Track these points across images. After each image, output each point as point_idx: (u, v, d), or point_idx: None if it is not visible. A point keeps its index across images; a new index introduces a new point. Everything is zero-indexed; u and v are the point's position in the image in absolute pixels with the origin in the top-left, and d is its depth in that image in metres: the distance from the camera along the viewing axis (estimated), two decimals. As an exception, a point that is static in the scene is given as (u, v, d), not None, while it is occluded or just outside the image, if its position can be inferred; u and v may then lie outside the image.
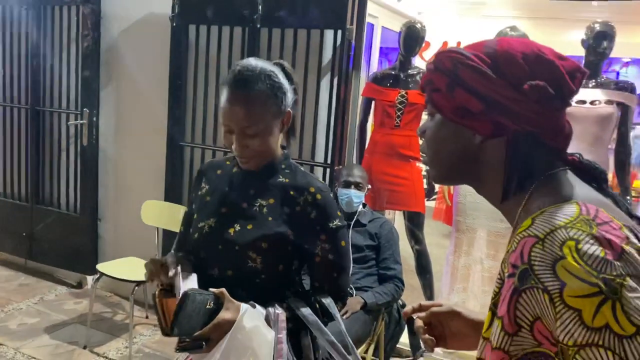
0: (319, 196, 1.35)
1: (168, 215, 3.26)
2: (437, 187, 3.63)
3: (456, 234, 3.11)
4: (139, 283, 3.05)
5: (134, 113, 3.64)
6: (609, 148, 3.04)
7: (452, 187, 3.18)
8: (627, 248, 0.66)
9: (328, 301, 1.36)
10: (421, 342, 3.04)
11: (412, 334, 2.84)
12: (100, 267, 3.20)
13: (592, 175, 0.81)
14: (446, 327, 1.03)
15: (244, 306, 1.21)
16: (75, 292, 3.85)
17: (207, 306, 1.17)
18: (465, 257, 3.08)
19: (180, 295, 1.15)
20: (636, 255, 0.66)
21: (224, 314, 1.19)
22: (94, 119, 3.64)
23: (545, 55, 0.79)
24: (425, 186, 3.31)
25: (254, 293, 1.31)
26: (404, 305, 2.86)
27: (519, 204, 0.79)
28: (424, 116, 3.29)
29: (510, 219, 0.83)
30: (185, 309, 1.13)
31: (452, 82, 0.81)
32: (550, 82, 0.77)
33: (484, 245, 3.04)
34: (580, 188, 0.77)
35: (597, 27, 2.80)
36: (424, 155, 0.91)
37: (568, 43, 4.27)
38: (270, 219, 1.34)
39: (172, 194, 3.40)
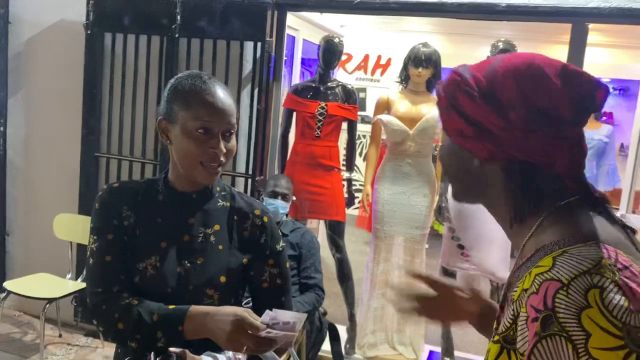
0: (265, 219, 1.29)
1: (82, 229, 3.14)
2: (358, 196, 3.72)
3: (375, 242, 3.21)
4: (50, 300, 2.92)
5: (46, 122, 3.48)
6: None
7: (370, 196, 3.27)
8: None
9: None
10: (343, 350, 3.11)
11: (334, 341, 2.89)
12: (8, 284, 3.03)
13: (600, 203, 0.78)
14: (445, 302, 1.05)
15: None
16: (-20, 312, 3.61)
17: None
18: (384, 263, 3.18)
19: None
20: None
21: None
22: (1, 128, 3.46)
23: (545, 76, 0.75)
24: (345, 195, 3.39)
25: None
26: (325, 313, 2.91)
27: (528, 231, 0.77)
28: (344, 127, 3.39)
29: (516, 244, 0.81)
30: None
31: (449, 104, 0.81)
32: (546, 107, 0.74)
33: (401, 252, 3.15)
34: (599, 224, 0.74)
35: (500, 45, 3.00)
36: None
37: (480, 58, 4.53)
38: (220, 247, 1.24)
39: (86, 207, 3.27)
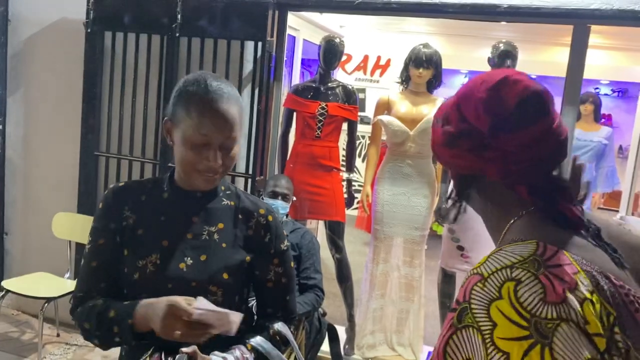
0: (270, 218, 1.29)
1: (81, 228, 3.13)
2: (357, 196, 3.72)
3: (374, 242, 3.20)
4: (48, 300, 2.91)
5: (45, 121, 3.47)
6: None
7: (370, 197, 3.27)
8: (570, 295, 0.64)
9: (284, 330, 1.29)
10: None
11: (333, 342, 2.88)
12: (5, 283, 3.02)
13: (562, 213, 0.77)
14: None
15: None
16: (-22, 311, 3.60)
17: None
18: (383, 264, 3.18)
19: None
20: (577, 304, 0.64)
21: None
22: (0, 127, 3.45)
23: (475, 91, 0.78)
24: (345, 195, 3.38)
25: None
26: (324, 314, 2.91)
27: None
28: (344, 127, 3.39)
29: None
30: None
31: None
32: (468, 121, 0.78)
33: (401, 253, 3.15)
34: (549, 227, 0.74)
35: (502, 46, 2.99)
36: None
37: (478, 59, 4.54)
38: (224, 245, 1.24)
39: (85, 206, 3.27)
